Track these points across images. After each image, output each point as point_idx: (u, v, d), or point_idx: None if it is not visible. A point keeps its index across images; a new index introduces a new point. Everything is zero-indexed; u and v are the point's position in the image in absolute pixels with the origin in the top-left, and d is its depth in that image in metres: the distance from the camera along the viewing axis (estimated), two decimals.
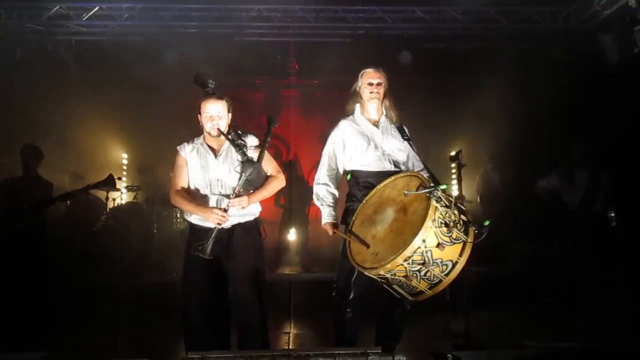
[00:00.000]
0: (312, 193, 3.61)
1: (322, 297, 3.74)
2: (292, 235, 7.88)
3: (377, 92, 3.51)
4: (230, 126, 3.44)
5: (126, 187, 7.88)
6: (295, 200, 7.56)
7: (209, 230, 3.27)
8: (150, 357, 3.17)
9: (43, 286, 5.01)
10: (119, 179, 7.49)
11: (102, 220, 7.21)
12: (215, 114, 3.37)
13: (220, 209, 3.25)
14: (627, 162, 5.94)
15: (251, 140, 3.44)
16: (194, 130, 3.62)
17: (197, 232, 3.37)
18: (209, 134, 3.41)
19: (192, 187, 3.44)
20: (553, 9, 7.81)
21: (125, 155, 8.75)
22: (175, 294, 5.59)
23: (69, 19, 7.60)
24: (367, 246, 2.94)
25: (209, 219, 3.26)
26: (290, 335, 4.90)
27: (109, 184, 4.64)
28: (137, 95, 7.78)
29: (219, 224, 3.23)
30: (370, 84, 3.51)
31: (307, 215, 7.87)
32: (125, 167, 8.93)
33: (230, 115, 3.44)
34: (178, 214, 7.73)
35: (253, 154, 3.36)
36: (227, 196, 3.30)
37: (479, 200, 7.84)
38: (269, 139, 3.39)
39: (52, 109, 7.08)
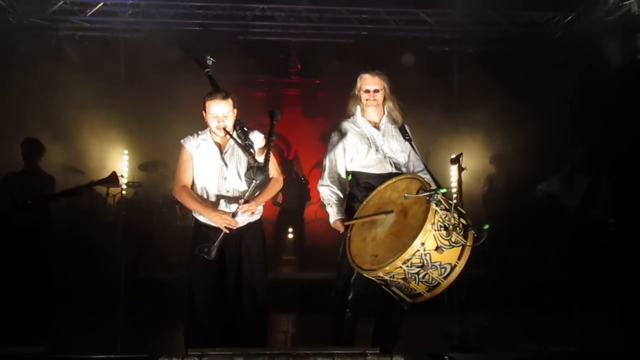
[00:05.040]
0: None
1: (319, 296, 3.74)
2: (289, 234, 7.87)
3: (375, 100, 3.46)
4: (236, 123, 3.36)
5: (126, 184, 7.87)
6: (292, 199, 7.53)
7: (214, 229, 3.22)
8: (149, 353, 3.17)
9: (44, 281, 5.02)
10: (122, 176, 7.50)
11: (102, 216, 7.20)
12: (221, 114, 3.27)
13: (228, 213, 3.21)
14: (629, 168, 5.95)
15: (257, 137, 3.37)
16: (195, 127, 3.58)
17: (202, 230, 3.34)
18: (215, 133, 3.36)
19: (196, 182, 3.39)
20: (556, 14, 7.84)
21: (126, 152, 8.74)
22: (175, 291, 5.60)
23: (73, 14, 7.62)
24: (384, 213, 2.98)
25: (217, 223, 3.21)
26: (287, 335, 4.91)
27: (113, 180, 4.67)
28: (139, 91, 7.78)
29: (226, 227, 3.18)
30: (367, 91, 3.46)
31: (303, 214, 7.85)
32: (126, 164, 8.91)
33: (235, 111, 3.35)
34: (178, 211, 7.72)
35: (259, 155, 3.27)
36: (235, 200, 3.26)
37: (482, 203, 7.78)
38: (273, 137, 3.28)
39: (54, 104, 7.09)
